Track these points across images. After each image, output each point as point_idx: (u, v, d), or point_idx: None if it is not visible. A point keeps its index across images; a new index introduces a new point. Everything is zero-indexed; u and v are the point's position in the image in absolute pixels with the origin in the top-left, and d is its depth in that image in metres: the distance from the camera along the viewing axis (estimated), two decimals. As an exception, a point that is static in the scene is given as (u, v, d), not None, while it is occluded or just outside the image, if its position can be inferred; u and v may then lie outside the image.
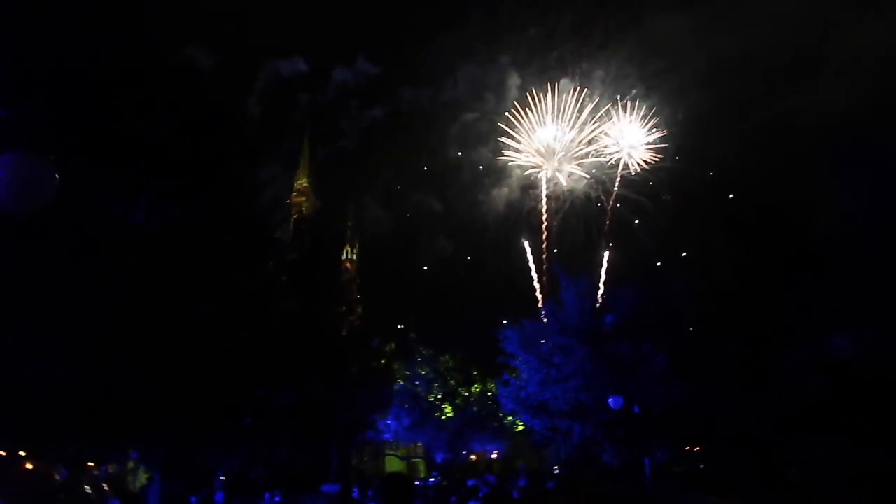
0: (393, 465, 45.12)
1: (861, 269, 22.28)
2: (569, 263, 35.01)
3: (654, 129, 39.55)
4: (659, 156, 38.87)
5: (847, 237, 22.82)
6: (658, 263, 32.96)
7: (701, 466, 30.81)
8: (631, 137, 40.03)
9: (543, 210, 40.90)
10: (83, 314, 12.65)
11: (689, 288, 28.34)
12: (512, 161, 42.15)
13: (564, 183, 40.36)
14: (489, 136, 41.75)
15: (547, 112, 41.17)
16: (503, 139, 41.72)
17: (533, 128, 41.49)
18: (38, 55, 11.92)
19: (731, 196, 31.11)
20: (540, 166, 41.55)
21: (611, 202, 39.74)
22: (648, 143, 39.45)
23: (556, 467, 33.15)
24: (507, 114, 41.47)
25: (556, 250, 39.65)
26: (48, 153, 5.73)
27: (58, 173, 5.52)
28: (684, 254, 32.09)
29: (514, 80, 41.41)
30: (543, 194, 40.79)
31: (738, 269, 26.26)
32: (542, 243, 41.07)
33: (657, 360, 28.25)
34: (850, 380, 21.82)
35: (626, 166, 39.71)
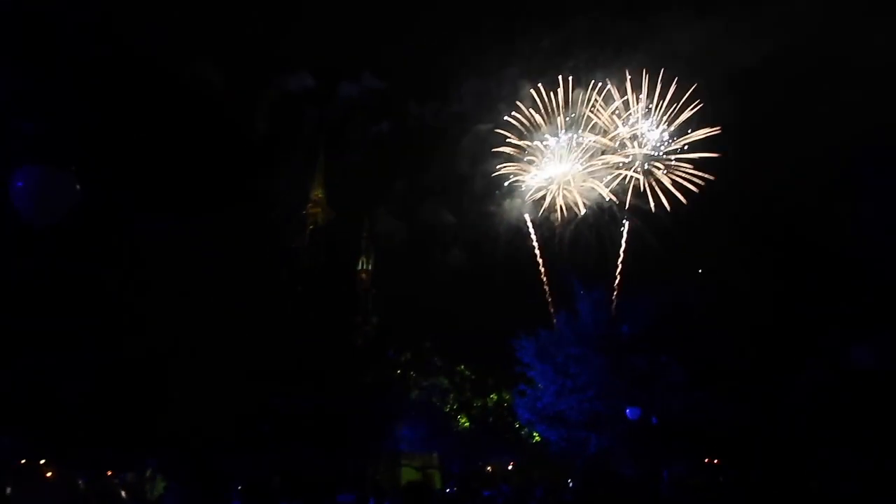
0: (408, 475, 45.01)
1: (882, 278, 22.01)
2: (583, 273, 34.82)
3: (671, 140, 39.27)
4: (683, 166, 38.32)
5: (868, 246, 22.55)
6: (674, 273, 32.68)
7: (720, 479, 30.46)
8: (647, 148, 39.64)
9: (558, 220, 40.72)
10: (103, 323, 12.83)
11: (706, 297, 28.13)
12: (517, 180, 41.83)
13: (579, 199, 40.13)
14: (501, 147, 41.68)
15: (557, 124, 41.03)
16: (509, 152, 41.51)
17: (542, 142, 41.29)
18: (58, 69, 12.18)
19: (749, 205, 30.83)
20: (546, 186, 41.31)
21: (625, 211, 39.48)
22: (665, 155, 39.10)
23: (569, 480, 32.94)
24: (510, 127, 41.28)
25: (569, 260, 39.43)
26: (70, 165, 5.86)
27: (79, 185, 5.65)
28: (700, 263, 31.82)
29: (526, 91, 41.38)
30: (558, 205, 40.59)
31: (756, 278, 26.02)
32: (556, 252, 40.85)
33: (674, 371, 28.01)
34: (871, 390, 21.51)
35: (646, 173, 39.34)
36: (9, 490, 19.04)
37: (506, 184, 41.57)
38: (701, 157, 37.06)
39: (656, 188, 38.46)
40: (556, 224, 40.48)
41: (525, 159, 41.45)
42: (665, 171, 38.42)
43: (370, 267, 52.58)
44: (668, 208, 37.78)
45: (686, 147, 37.79)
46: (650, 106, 38.78)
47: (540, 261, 41.62)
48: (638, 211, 39.24)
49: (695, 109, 37.33)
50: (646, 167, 39.00)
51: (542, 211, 41.10)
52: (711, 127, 36.76)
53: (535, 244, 41.55)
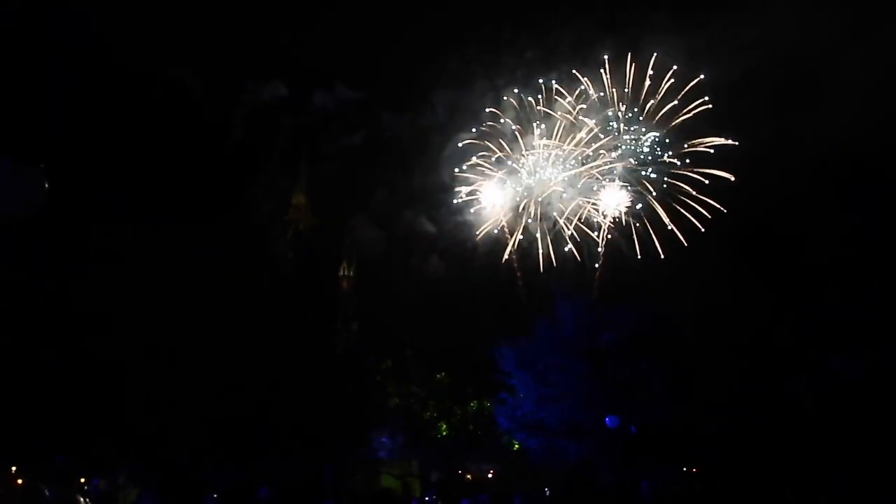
0: (387, 483, 44.65)
1: (864, 290, 22.24)
2: (562, 281, 34.83)
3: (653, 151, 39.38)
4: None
5: (850, 258, 22.80)
6: (655, 282, 32.81)
7: (698, 488, 30.51)
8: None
9: (536, 229, 40.62)
10: (73, 328, 12.54)
11: (687, 307, 28.26)
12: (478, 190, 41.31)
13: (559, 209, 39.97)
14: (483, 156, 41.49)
15: (536, 135, 41.00)
16: (484, 163, 41.25)
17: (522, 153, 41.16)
18: (36, 70, 11.94)
19: (730, 217, 31.03)
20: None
21: (605, 222, 39.51)
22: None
23: (546, 489, 32.80)
24: (489, 137, 41.10)
25: (548, 268, 39.38)
26: (39, 161, 5.66)
27: (47, 182, 5.46)
28: (683, 271, 31.97)
29: (510, 103, 41.35)
30: (535, 215, 40.42)
31: (739, 289, 26.20)
32: (532, 260, 40.75)
33: (655, 380, 28.08)
34: (852, 402, 21.70)
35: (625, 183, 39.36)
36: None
37: (475, 195, 41.25)
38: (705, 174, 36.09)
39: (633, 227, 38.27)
40: (535, 232, 40.41)
41: (503, 170, 41.31)
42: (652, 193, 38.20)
43: (351, 273, 52.24)
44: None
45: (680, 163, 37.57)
46: (634, 114, 38.93)
47: (517, 268, 41.52)
48: (618, 220, 39.29)
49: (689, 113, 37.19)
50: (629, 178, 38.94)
51: (520, 220, 40.97)
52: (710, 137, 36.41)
53: (513, 252, 41.40)
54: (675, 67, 37.22)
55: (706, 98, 36.72)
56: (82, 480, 27.44)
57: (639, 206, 37.91)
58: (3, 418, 13.09)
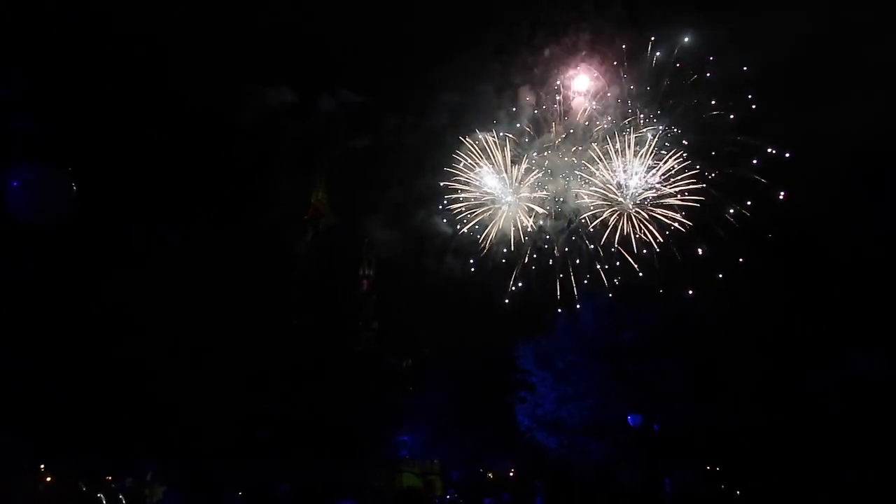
0: (409, 481, 44.78)
1: (889, 287, 21.90)
2: (581, 279, 34.61)
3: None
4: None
5: (875, 254, 22.44)
6: (677, 280, 32.49)
7: (722, 487, 30.25)
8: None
9: (548, 229, 40.30)
10: (102, 328, 12.79)
11: (709, 304, 28.00)
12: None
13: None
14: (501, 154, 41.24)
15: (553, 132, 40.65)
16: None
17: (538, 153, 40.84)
18: (62, 73, 12.21)
19: (755, 212, 30.58)
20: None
21: (623, 218, 39.09)
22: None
23: (569, 488, 32.67)
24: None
25: (568, 266, 39.06)
26: (68, 167, 5.83)
27: (76, 186, 5.61)
28: (705, 270, 31.61)
29: (524, 101, 40.95)
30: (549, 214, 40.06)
31: (762, 285, 25.89)
32: (550, 259, 40.45)
33: (677, 378, 27.85)
34: (878, 400, 21.38)
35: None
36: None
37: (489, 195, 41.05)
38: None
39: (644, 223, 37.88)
40: (552, 230, 40.12)
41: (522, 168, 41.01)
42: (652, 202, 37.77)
43: (371, 272, 52.44)
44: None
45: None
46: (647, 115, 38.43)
47: (534, 267, 41.25)
48: (638, 215, 38.87)
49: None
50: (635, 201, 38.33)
51: (532, 219, 40.70)
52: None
53: (530, 250, 41.15)
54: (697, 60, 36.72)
55: (730, 94, 36.30)
56: (109, 478, 27.97)
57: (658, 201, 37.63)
58: (34, 418, 13.39)
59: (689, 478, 30.31)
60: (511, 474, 45.90)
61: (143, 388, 14.32)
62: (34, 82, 11.41)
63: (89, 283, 12.26)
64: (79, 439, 15.04)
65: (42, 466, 25.60)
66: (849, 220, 23.97)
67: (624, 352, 29.82)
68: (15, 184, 5.22)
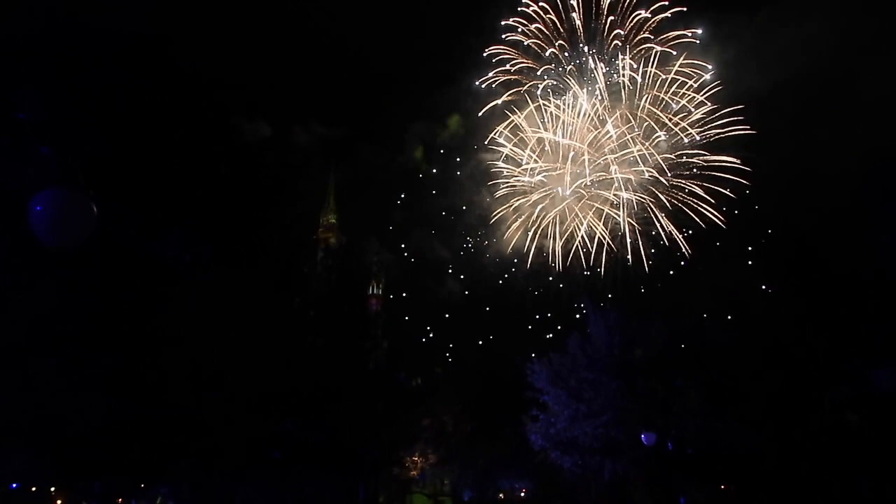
0: (419, 502, 44.39)
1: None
2: (593, 294, 34.46)
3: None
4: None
5: (889, 270, 22.28)
6: (689, 296, 32.31)
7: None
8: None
9: (557, 246, 40.30)
10: (116, 348, 12.79)
11: (722, 321, 27.80)
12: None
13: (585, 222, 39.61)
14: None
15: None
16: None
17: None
18: (77, 95, 12.33)
19: (767, 230, 30.47)
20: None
21: (636, 232, 39.03)
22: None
23: None
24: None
25: (579, 282, 38.95)
26: (87, 189, 5.84)
27: (95, 208, 5.62)
28: (717, 286, 31.44)
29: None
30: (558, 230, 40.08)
31: (775, 302, 25.70)
32: (566, 274, 40.34)
33: (691, 395, 27.57)
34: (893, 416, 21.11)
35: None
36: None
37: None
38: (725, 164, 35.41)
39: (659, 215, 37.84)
40: (564, 246, 40.07)
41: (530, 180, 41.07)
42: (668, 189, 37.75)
43: (381, 291, 52.41)
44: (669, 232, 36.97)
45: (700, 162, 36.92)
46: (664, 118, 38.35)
47: (546, 284, 41.18)
48: (649, 233, 38.84)
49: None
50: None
51: (549, 237, 40.74)
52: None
53: (539, 268, 41.11)
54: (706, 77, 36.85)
55: (741, 108, 36.34)
56: (121, 501, 27.84)
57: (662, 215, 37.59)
58: (45, 440, 13.35)
59: (705, 496, 29.92)
60: (523, 494, 45.43)
61: (156, 410, 14.27)
62: (54, 106, 11.53)
63: (103, 305, 12.29)
64: (91, 462, 14.96)
65: (52, 489, 25.52)
66: (863, 233, 23.82)
67: (636, 368, 29.58)
68: (39, 208, 5.23)
